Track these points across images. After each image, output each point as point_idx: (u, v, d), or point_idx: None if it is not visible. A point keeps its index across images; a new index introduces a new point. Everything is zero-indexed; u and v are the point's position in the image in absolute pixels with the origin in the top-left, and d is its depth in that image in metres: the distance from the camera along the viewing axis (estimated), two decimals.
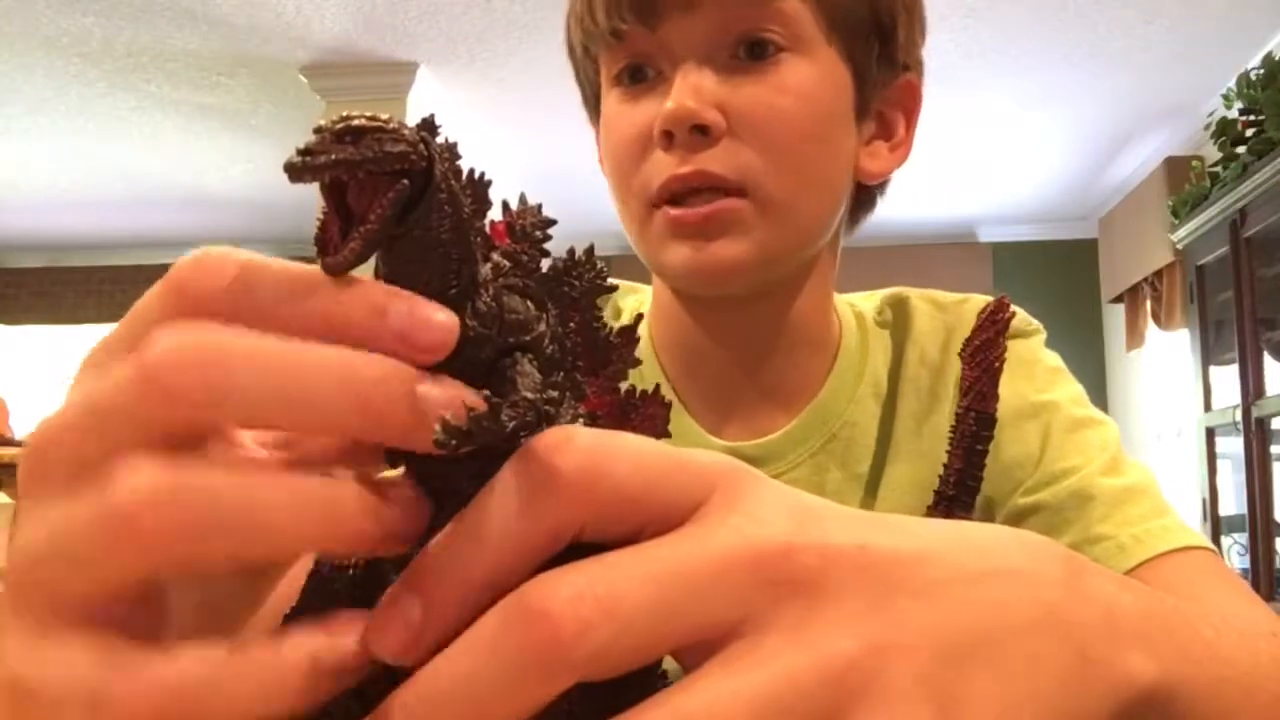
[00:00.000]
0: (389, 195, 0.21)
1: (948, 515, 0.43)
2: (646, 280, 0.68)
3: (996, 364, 0.44)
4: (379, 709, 0.21)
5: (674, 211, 0.56)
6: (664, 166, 0.57)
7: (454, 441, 0.21)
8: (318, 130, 0.20)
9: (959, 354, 0.45)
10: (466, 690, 0.20)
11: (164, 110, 3.92)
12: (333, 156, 0.20)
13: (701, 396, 0.65)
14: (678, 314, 0.64)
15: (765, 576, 0.21)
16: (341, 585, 0.24)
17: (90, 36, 3.33)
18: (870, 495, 0.63)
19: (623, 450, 0.22)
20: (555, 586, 0.20)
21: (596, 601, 0.20)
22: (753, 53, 0.57)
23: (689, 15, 0.57)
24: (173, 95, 3.78)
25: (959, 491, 0.44)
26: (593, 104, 0.66)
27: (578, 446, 0.22)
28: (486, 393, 0.22)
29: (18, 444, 2.19)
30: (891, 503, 0.62)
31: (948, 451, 0.44)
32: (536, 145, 4.08)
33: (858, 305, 0.69)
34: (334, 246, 0.21)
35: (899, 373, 0.65)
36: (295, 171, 0.20)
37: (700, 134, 0.56)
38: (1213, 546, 0.56)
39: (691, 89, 0.56)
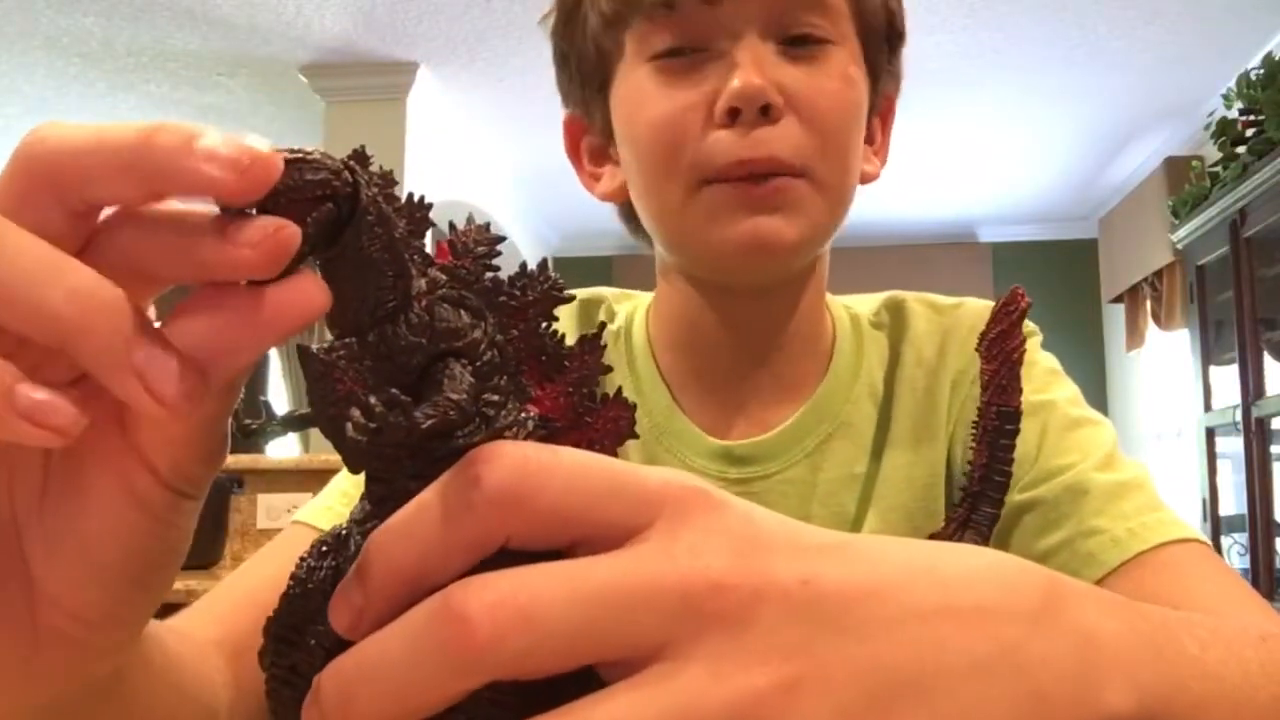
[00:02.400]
0: (311, 216, 0.22)
1: (972, 512, 0.43)
2: (645, 279, 0.68)
3: (1015, 355, 0.43)
4: (318, 677, 0.23)
5: (742, 186, 0.57)
6: (729, 145, 0.56)
7: (363, 438, 0.22)
8: None
9: (975, 349, 0.45)
10: (388, 674, 0.21)
11: (164, 110, 3.92)
12: None
13: (700, 397, 0.65)
14: (685, 310, 0.64)
15: (692, 607, 0.22)
16: (324, 583, 0.25)
17: (90, 36, 3.33)
18: (866, 496, 0.63)
19: (557, 469, 0.23)
20: (479, 591, 0.21)
21: (517, 610, 0.21)
22: (795, 42, 0.59)
23: None
24: (173, 95, 3.78)
25: (984, 487, 0.43)
26: (594, 82, 0.65)
27: (506, 462, 0.22)
28: (395, 390, 0.23)
29: None
30: (888, 501, 0.62)
31: (971, 447, 0.44)
32: (536, 145, 4.08)
33: (853, 308, 0.69)
34: None
35: (895, 375, 0.66)
36: (221, 204, 0.22)
37: (763, 113, 0.56)
38: (1207, 541, 0.56)
39: (756, 67, 0.56)
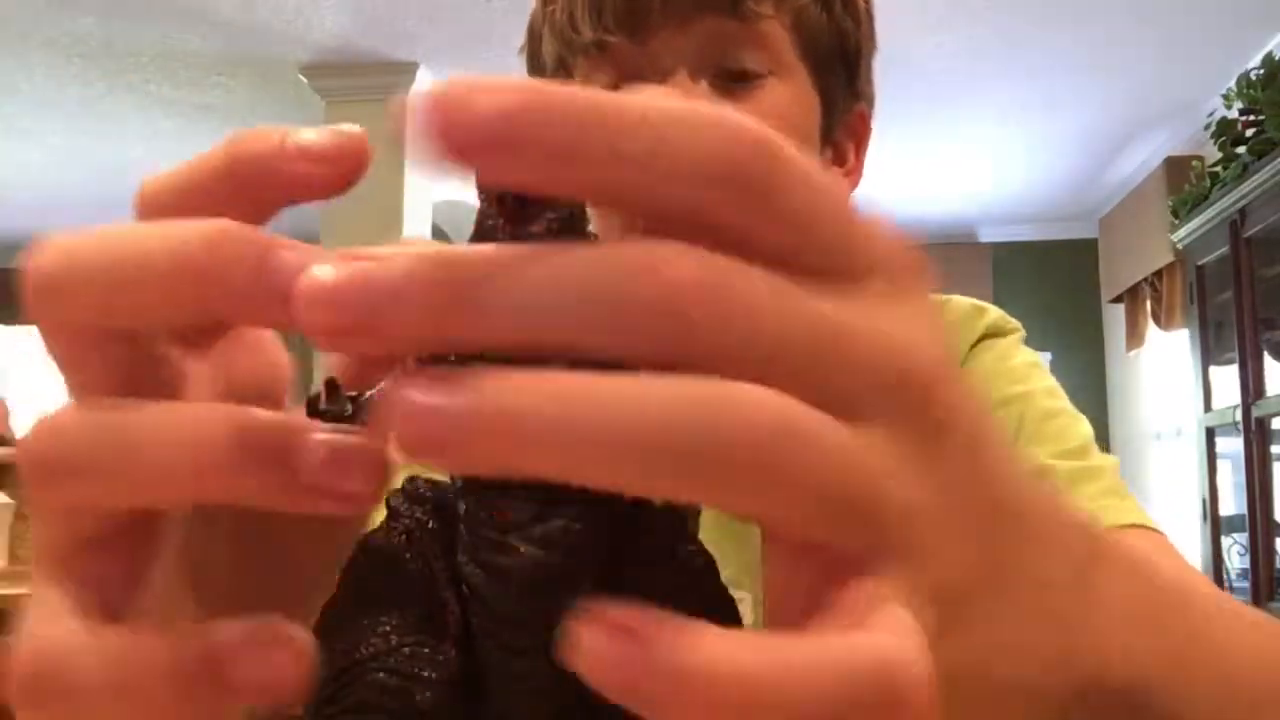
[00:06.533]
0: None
1: None
2: None
3: None
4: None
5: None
6: None
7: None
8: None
9: None
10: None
11: (164, 110, 3.92)
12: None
13: None
14: None
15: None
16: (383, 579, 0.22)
17: (90, 36, 3.33)
18: None
19: None
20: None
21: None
22: (733, 77, 0.58)
23: (680, 32, 0.57)
24: (173, 95, 3.78)
25: None
26: None
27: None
28: None
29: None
30: None
31: None
32: None
33: None
34: None
35: None
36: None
37: None
38: (1165, 534, 0.56)
39: None
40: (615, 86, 0.59)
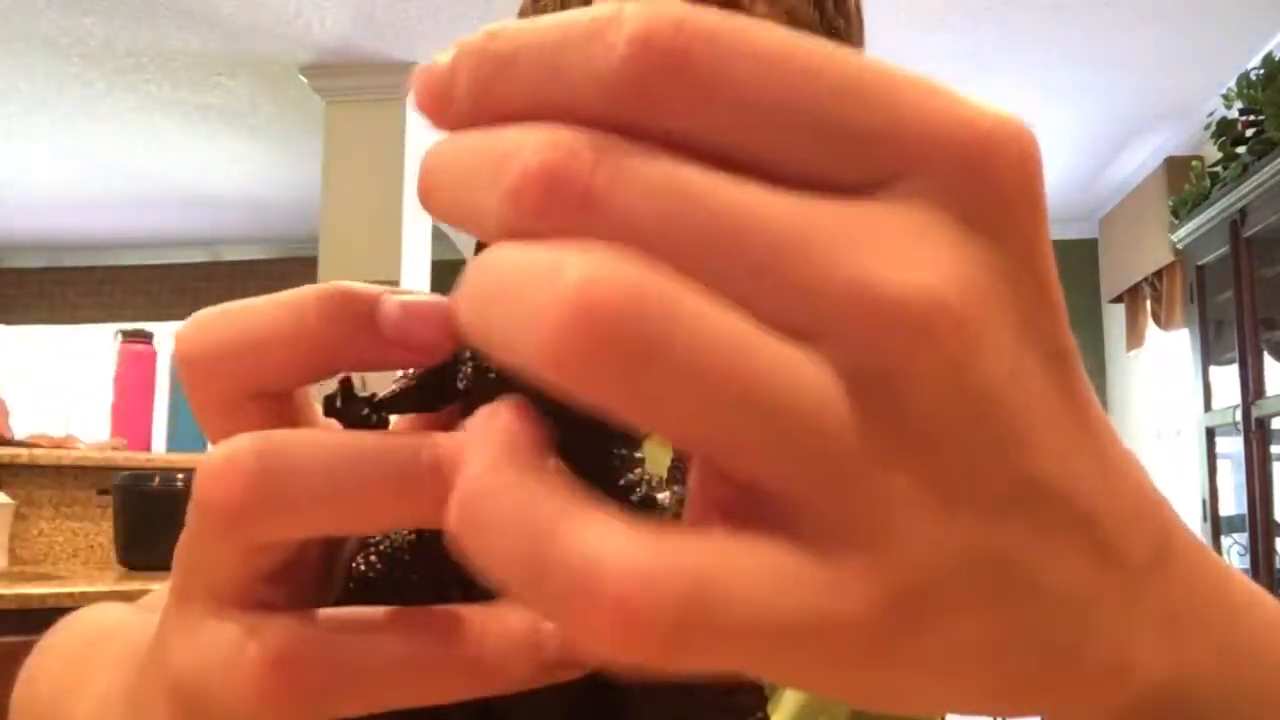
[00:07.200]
0: None
1: None
2: None
3: None
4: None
5: None
6: None
7: None
8: None
9: None
10: None
11: (164, 110, 3.92)
12: None
13: None
14: None
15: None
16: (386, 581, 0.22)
17: (90, 36, 3.33)
18: None
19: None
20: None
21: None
22: None
23: None
24: (173, 95, 3.78)
25: None
26: None
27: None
28: None
29: (18, 444, 2.19)
30: None
31: None
32: None
33: None
34: None
35: None
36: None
37: None
38: None
39: None
40: None
